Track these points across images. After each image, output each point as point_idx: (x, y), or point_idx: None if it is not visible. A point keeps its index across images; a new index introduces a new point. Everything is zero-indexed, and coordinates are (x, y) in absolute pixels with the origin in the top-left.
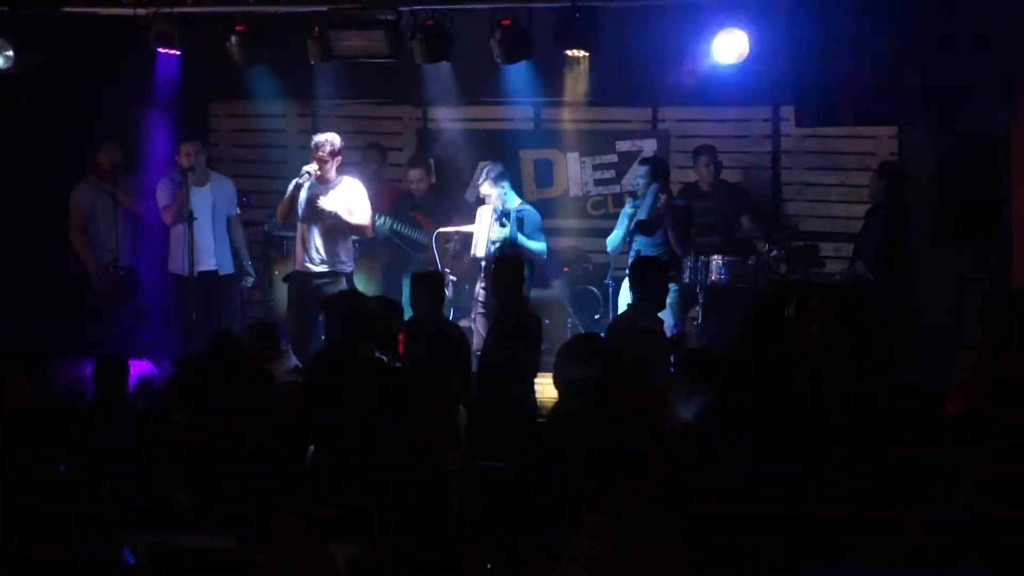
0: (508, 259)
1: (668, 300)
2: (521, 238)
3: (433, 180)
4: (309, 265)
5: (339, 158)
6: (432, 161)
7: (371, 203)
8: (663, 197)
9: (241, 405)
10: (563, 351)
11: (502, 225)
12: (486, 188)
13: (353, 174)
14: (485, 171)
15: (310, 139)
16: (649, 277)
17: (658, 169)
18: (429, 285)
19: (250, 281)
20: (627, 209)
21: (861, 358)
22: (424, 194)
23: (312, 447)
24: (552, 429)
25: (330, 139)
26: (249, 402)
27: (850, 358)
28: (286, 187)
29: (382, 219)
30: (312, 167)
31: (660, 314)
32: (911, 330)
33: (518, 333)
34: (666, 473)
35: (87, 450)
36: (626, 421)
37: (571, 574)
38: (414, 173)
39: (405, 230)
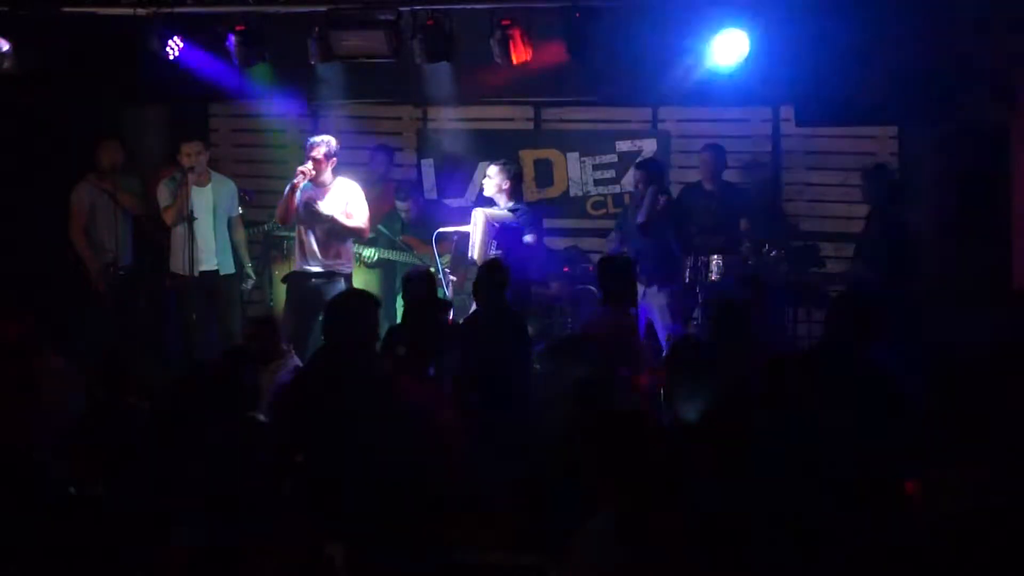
0: (491, 265)
1: (664, 302)
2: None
3: (426, 189)
4: (308, 266)
5: (334, 160)
6: (432, 161)
7: (374, 204)
8: (662, 199)
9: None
10: (551, 355)
11: (496, 247)
12: (493, 173)
13: (360, 175)
14: (502, 163)
15: (309, 139)
16: (613, 275)
17: (654, 171)
18: (422, 284)
19: (250, 283)
20: (623, 208)
21: (864, 358)
22: (412, 221)
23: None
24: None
25: (325, 140)
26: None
27: (853, 358)
28: (286, 187)
29: (371, 251)
30: (307, 166)
31: (657, 315)
32: (911, 330)
33: (505, 337)
34: (667, 472)
35: (89, 450)
36: (625, 420)
37: (572, 574)
38: (402, 205)
39: (397, 257)
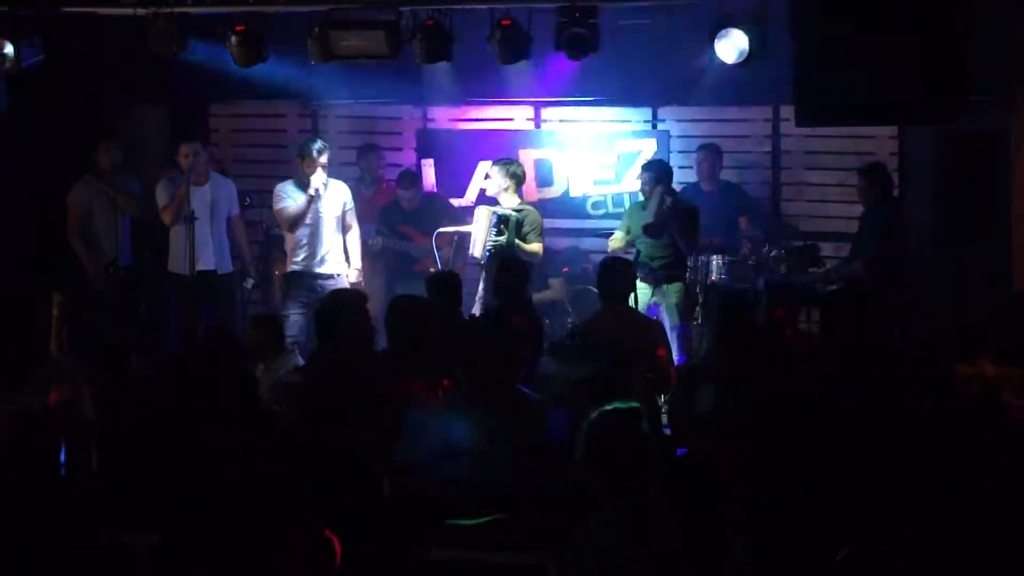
0: (512, 260)
1: (673, 301)
2: (518, 243)
3: (426, 190)
4: (311, 267)
5: None
6: (432, 161)
7: (370, 204)
8: (669, 200)
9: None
10: (554, 355)
11: (499, 232)
12: (494, 172)
13: (355, 175)
14: (503, 162)
15: (310, 139)
16: (616, 274)
17: (661, 172)
18: (444, 286)
19: (250, 282)
20: (627, 209)
21: (864, 359)
22: (414, 209)
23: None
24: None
25: (325, 145)
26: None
27: (853, 360)
28: (293, 196)
29: (372, 239)
30: (322, 179)
31: (665, 314)
32: (909, 331)
33: (520, 336)
34: (667, 471)
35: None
36: (626, 418)
37: (571, 572)
38: (404, 194)
39: (397, 246)
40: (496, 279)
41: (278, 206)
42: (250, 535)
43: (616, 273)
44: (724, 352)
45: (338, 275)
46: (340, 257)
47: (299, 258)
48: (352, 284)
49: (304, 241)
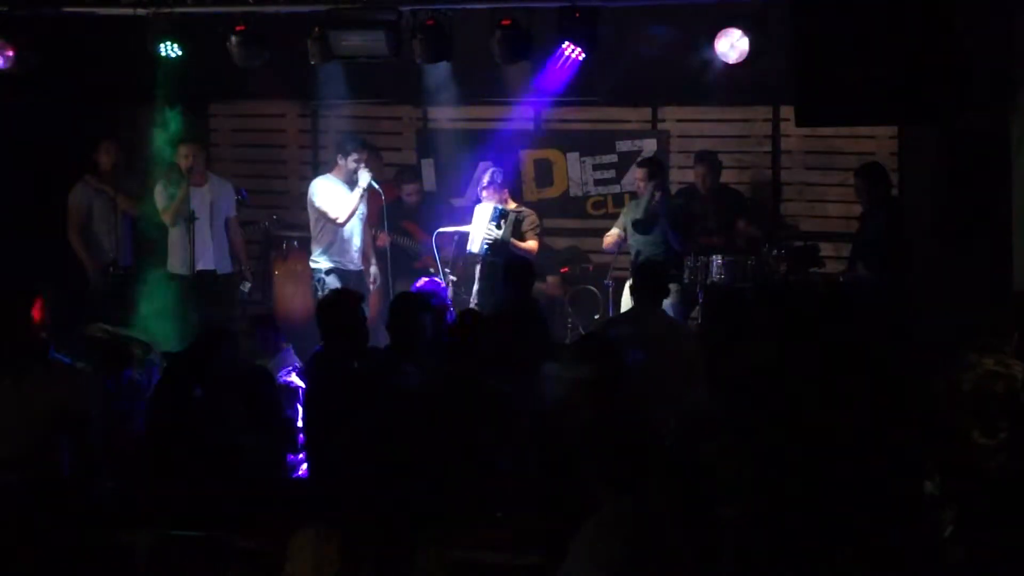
0: (519, 262)
1: (670, 300)
2: (513, 241)
3: (427, 189)
4: (349, 264)
5: None
6: (432, 161)
7: (371, 205)
8: (658, 195)
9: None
10: (570, 351)
11: (498, 226)
12: (489, 194)
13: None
14: (489, 174)
15: (310, 139)
16: (657, 278)
17: (655, 169)
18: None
19: (247, 286)
20: (624, 208)
21: (858, 358)
22: (417, 205)
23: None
24: (555, 428)
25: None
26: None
27: (847, 358)
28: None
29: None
30: (369, 175)
31: (671, 312)
32: (910, 330)
33: (525, 335)
34: (671, 471)
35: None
36: (630, 419)
37: (574, 573)
38: (407, 188)
39: (399, 242)
40: (503, 282)
41: (325, 199)
42: (250, 533)
43: (652, 275)
44: (722, 352)
45: (367, 271)
46: (368, 255)
47: (335, 254)
48: (373, 281)
49: (345, 237)
